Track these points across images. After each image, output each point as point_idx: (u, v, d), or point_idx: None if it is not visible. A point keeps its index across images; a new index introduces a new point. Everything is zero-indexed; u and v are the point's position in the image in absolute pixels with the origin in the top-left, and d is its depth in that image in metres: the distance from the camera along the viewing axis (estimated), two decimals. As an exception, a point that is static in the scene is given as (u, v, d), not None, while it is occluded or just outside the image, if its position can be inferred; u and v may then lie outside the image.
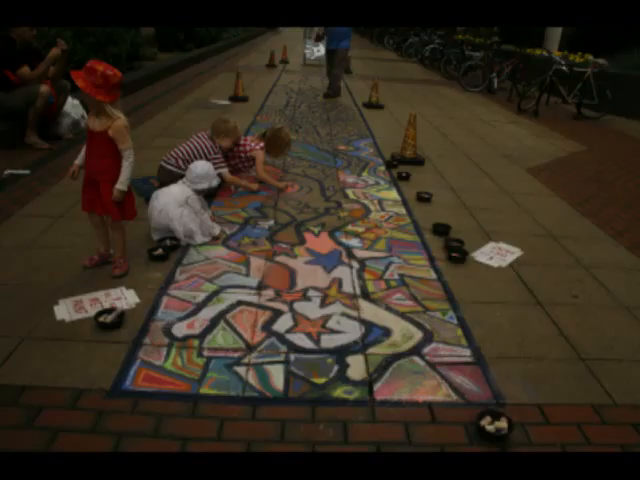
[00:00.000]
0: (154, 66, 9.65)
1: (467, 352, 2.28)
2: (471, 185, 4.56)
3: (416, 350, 2.27)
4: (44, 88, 4.69)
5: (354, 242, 3.27)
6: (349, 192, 4.16)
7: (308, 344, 2.26)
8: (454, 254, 3.11)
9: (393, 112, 7.74)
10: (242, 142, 4.16)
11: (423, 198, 4.07)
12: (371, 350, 2.25)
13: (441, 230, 3.47)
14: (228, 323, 2.37)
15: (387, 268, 2.97)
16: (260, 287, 2.68)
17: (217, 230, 3.22)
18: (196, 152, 3.76)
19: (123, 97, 3.63)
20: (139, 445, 1.69)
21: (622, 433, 1.89)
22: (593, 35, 12.10)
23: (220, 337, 2.27)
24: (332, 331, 2.36)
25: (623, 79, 8.59)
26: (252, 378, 2.03)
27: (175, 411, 1.84)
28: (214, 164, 3.58)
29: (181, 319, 2.37)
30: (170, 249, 2.94)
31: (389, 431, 1.82)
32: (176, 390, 1.95)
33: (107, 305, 2.41)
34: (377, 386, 2.03)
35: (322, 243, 3.25)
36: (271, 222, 3.49)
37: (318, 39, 9.66)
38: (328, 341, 2.29)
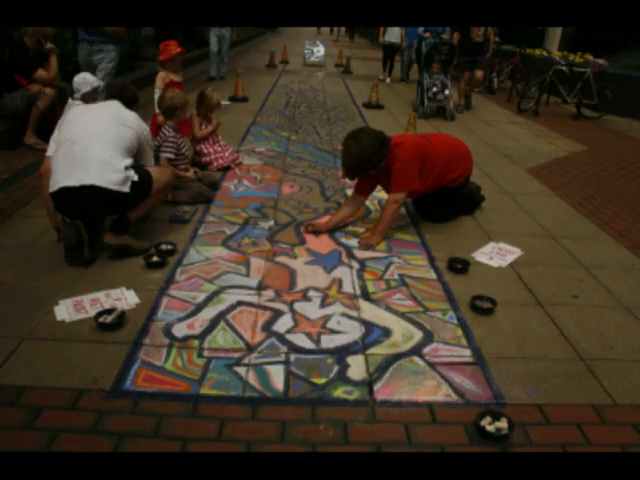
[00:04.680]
0: (154, 66, 9.64)
1: (467, 352, 2.28)
2: (471, 185, 4.55)
3: (416, 350, 2.27)
4: (49, 89, 4.71)
5: (354, 242, 3.27)
6: (349, 192, 4.14)
7: (308, 344, 2.26)
8: (457, 265, 2.99)
9: (393, 112, 7.74)
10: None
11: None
12: (371, 350, 2.25)
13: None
14: (228, 323, 2.37)
15: (387, 268, 2.97)
16: (260, 287, 2.68)
17: None
18: (157, 143, 3.77)
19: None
20: (139, 445, 1.69)
21: (622, 433, 1.89)
22: (593, 35, 12.10)
23: (220, 337, 2.27)
24: (332, 331, 2.36)
25: (623, 79, 8.59)
26: (252, 378, 2.03)
27: (175, 411, 1.84)
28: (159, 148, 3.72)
29: (181, 319, 2.37)
30: (166, 254, 2.93)
31: (389, 431, 1.82)
32: (176, 390, 1.95)
33: (107, 305, 2.41)
34: (377, 386, 2.03)
35: (322, 243, 3.25)
36: (271, 222, 3.49)
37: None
38: (328, 341, 2.29)
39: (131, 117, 3.01)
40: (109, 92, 3.21)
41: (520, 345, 2.35)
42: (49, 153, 2.94)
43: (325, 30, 32.91)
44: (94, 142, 2.75)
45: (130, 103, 3.15)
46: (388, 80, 11.02)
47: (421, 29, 9.43)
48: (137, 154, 3.02)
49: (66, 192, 2.67)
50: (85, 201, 2.71)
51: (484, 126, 7.24)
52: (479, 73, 8.27)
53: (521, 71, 10.09)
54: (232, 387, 1.98)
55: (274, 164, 4.77)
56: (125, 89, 3.19)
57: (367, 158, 3.14)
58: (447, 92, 7.45)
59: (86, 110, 3.01)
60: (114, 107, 3.03)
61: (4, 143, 4.63)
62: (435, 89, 7.45)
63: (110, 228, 2.85)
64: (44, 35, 4.78)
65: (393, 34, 10.52)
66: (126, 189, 2.77)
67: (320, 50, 13.43)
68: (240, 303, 2.53)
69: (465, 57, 7.93)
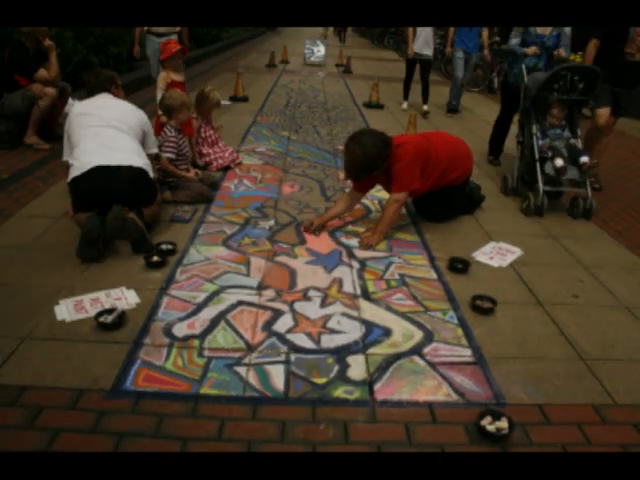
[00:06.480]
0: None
1: (467, 352, 2.28)
2: (471, 185, 4.54)
3: (416, 350, 2.27)
4: (51, 89, 4.70)
5: (354, 242, 3.27)
6: (349, 192, 4.15)
7: (308, 344, 2.26)
8: (458, 265, 2.99)
9: (393, 112, 7.74)
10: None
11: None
12: (371, 350, 2.25)
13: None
14: (228, 323, 2.37)
15: (387, 268, 2.97)
16: (260, 287, 2.68)
17: None
18: (158, 143, 3.74)
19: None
20: (139, 445, 1.69)
21: (622, 433, 1.89)
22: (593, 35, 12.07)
23: (220, 337, 2.27)
24: (332, 331, 2.36)
25: (623, 79, 8.56)
26: (252, 378, 2.03)
27: (175, 411, 1.84)
28: (160, 148, 3.69)
29: (181, 319, 2.37)
30: (166, 254, 2.92)
31: (389, 431, 1.82)
32: (176, 390, 1.95)
33: (107, 305, 2.41)
34: (377, 386, 2.03)
35: (322, 243, 3.25)
36: (271, 222, 3.49)
37: None
38: (328, 341, 2.29)
39: (128, 112, 3.24)
40: (89, 91, 3.32)
41: (520, 345, 2.35)
42: (66, 157, 3.11)
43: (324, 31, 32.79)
44: (118, 135, 3.05)
45: (109, 87, 3.32)
46: (425, 107, 7.45)
47: (515, 40, 4.85)
48: (143, 140, 3.30)
49: (99, 171, 2.82)
50: (116, 181, 2.86)
51: (484, 125, 7.22)
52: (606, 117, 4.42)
53: (521, 71, 10.04)
54: (232, 387, 1.98)
55: (274, 164, 4.77)
56: (101, 80, 3.31)
57: (371, 160, 3.14)
58: (584, 159, 3.75)
59: (88, 109, 3.17)
60: (111, 105, 3.21)
61: (4, 143, 4.63)
62: (560, 161, 3.72)
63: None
64: (39, 33, 4.75)
65: (425, 43, 7.26)
66: (152, 174, 3.12)
67: (320, 50, 13.41)
68: (240, 303, 2.53)
69: (606, 84, 4.18)
